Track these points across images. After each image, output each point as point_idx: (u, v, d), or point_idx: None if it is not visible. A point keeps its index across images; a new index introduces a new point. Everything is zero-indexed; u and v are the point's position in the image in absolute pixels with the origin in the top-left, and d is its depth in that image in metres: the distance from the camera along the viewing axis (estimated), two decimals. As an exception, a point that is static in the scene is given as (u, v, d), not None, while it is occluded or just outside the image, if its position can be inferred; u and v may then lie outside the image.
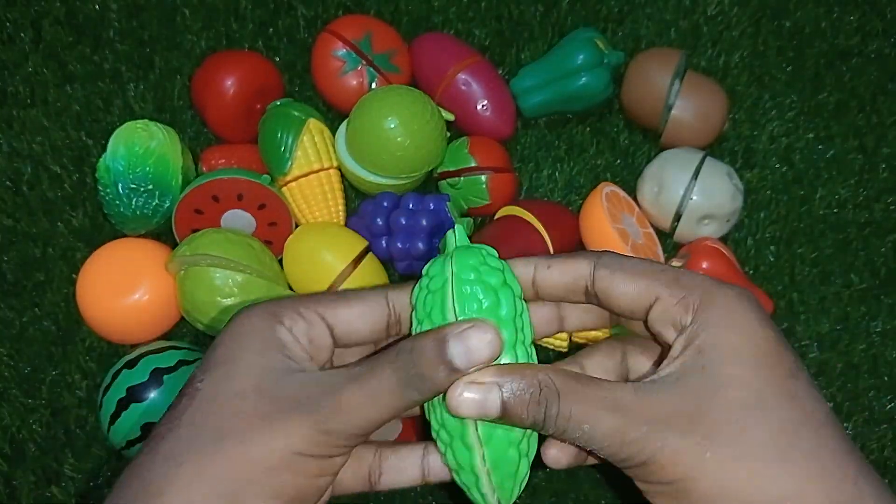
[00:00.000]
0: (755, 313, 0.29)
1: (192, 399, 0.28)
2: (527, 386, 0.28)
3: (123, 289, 0.58)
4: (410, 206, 0.60)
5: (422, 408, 0.32)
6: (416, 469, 0.32)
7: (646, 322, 0.31)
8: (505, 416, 0.28)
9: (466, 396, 0.28)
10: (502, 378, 0.28)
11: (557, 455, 0.32)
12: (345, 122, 0.63)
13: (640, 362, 0.33)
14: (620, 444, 0.27)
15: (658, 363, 0.32)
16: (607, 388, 0.28)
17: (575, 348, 0.62)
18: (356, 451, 0.31)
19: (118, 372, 0.57)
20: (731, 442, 0.26)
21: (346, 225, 0.63)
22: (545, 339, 0.60)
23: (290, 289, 0.60)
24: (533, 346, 0.30)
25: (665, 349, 0.30)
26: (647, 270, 0.30)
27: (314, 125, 0.62)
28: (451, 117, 0.63)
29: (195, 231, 0.59)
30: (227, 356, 0.29)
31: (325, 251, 0.59)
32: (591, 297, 0.31)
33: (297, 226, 0.63)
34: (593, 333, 0.58)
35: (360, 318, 0.31)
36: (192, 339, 0.62)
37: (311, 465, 0.28)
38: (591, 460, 0.32)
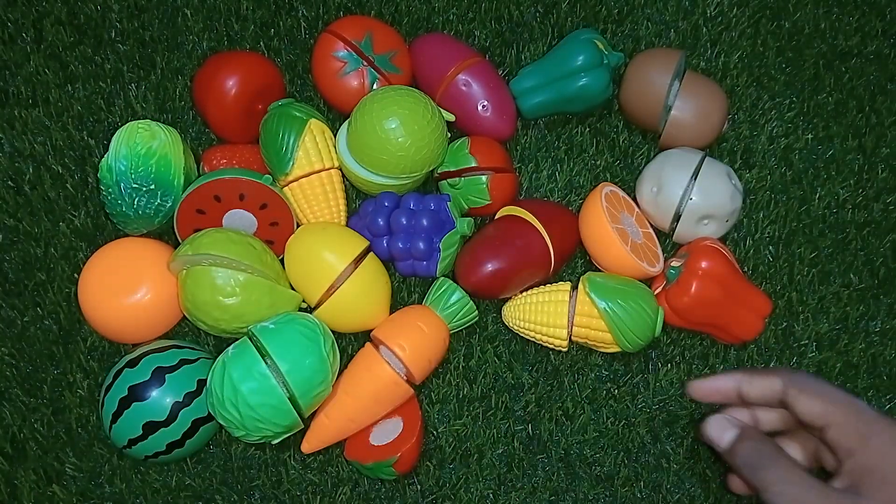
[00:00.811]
0: None
1: None
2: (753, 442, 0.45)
3: (125, 288, 0.59)
4: (411, 205, 0.60)
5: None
6: None
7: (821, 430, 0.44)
8: (726, 455, 0.46)
9: (713, 423, 0.47)
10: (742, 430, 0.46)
11: (739, 486, 0.52)
12: (346, 123, 0.63)
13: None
14: None
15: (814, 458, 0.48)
16: (804, 475, 0.42)
17: (575, 348, 0.62)
18: None
19: (120, 371, 0.57)
20: None
21: (347, 225, 0.63)
22: (546, 338, 0.60)
23: (292, 288, 0.60)
24: None
25: (833, 452, 0.44)
26: (827, 395, 0.44)
27: (315, 125, 0.62)
28: (451, 118, 0.63)
29: (197, 231, 0.60)
30: None
31: (327, 251, 0.59)
32: (783, 405, 0.46)
33: (298, 226, 0.63)
34: (593, 333, 0.59)
35: None
36: (194, 338, 0.62)
37: None
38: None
